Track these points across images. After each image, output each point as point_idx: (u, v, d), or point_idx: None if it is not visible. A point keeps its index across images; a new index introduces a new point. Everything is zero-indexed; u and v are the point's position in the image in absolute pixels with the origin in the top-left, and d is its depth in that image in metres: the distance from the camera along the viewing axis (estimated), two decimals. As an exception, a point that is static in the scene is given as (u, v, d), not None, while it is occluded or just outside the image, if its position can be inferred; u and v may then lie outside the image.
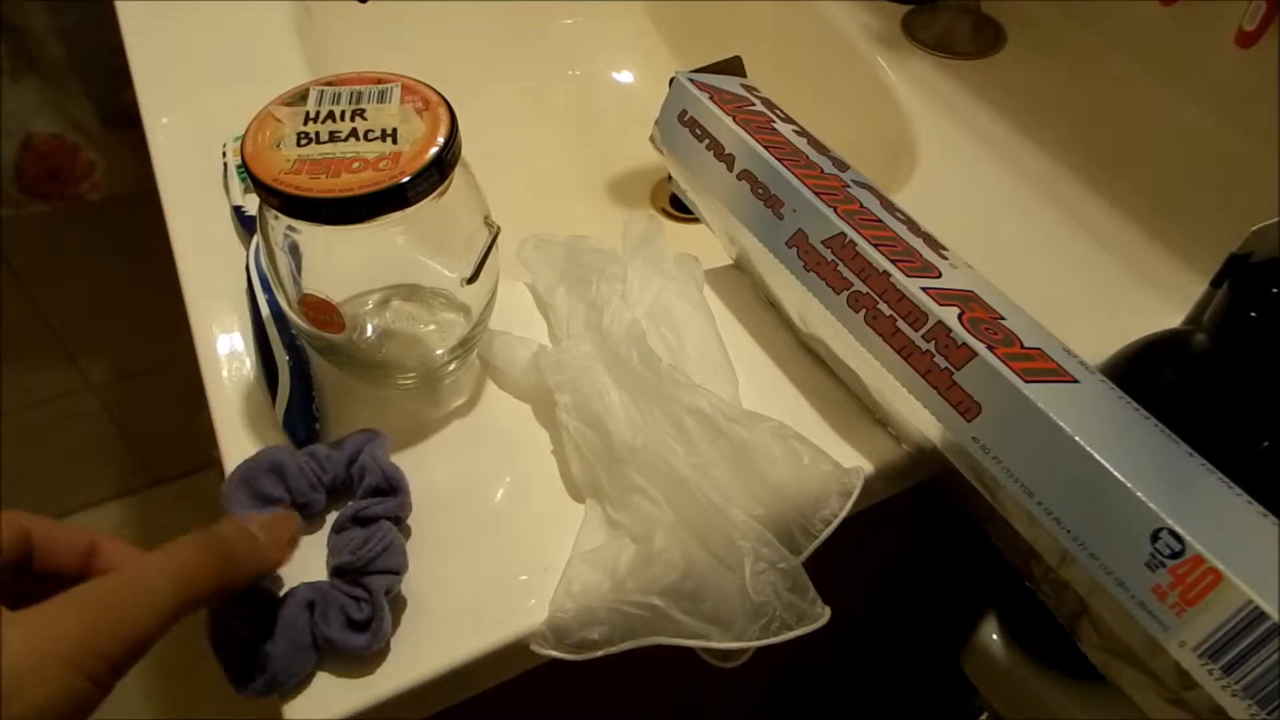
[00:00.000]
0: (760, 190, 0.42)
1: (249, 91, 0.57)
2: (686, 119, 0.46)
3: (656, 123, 0.48)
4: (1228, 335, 0.36)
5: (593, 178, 0.73)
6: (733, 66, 0.51)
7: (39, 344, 1.35)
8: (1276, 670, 0.28)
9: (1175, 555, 0.30)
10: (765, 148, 0.43)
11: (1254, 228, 0.36)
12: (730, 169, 0.44)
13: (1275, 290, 0.34)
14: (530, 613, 0.35)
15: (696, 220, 0.50)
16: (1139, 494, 0.30)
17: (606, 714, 0.48)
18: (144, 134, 0.53)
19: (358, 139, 0.35)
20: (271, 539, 0.33)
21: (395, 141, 0.35)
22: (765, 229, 0.42)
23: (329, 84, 0.37)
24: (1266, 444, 0.34)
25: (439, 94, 0.37)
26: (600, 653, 0.33)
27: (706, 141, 0.45)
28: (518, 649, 0.35)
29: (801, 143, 0.45)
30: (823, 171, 0.43)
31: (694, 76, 0.48)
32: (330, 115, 0.36)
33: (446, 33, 0.76)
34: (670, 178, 0.49)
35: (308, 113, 0.36)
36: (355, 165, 0.34)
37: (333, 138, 0.35)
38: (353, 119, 0.36)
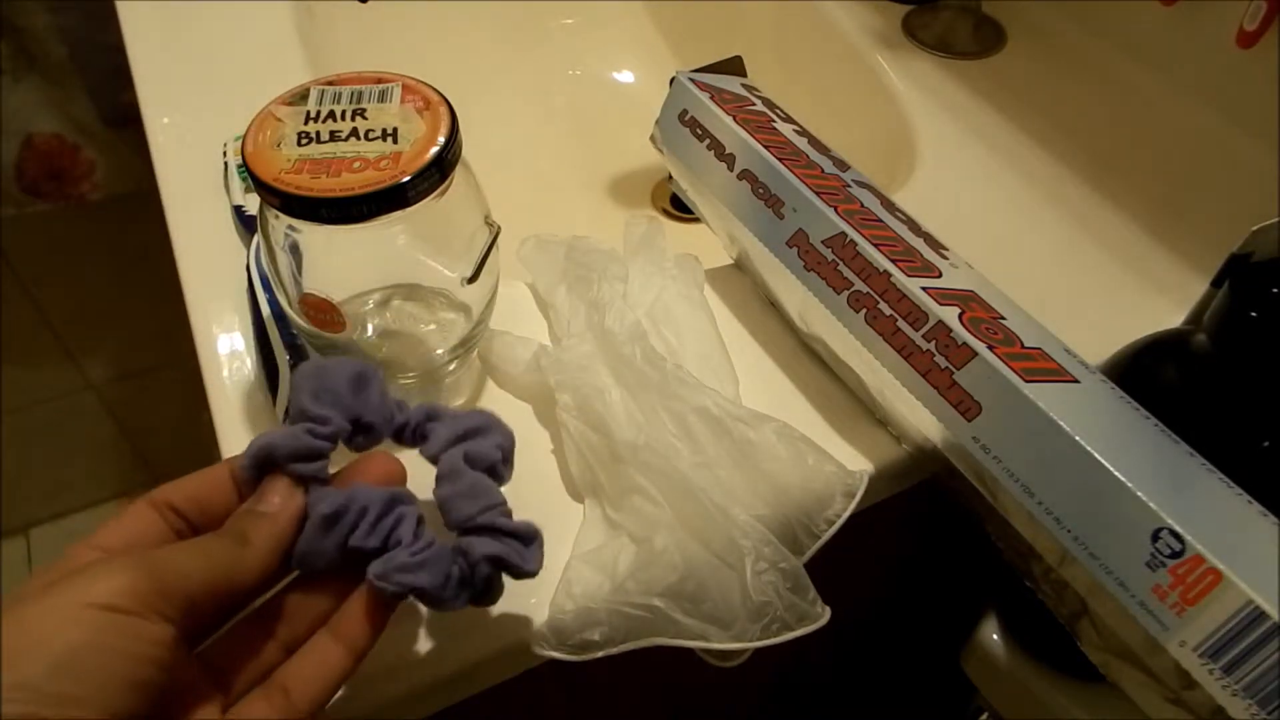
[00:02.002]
0: (761, 190, 0.42)
1: (249, 91, 0.57)
2: (687, 119, 0.46)
3: (657, 123, 0.48)
4: (1228, 335, 0.36)
5: (593, 178, 0.73)
6: (733, 66, 0.51)
7: (39, 344, 1.35)
8: (1276, 670, 0.28)
9: (1175, 555, 0.30)
10: (766, 147, 0.43)
11: (1254, 228, 0.36)
12: (731, 169, 0.44)
13: (1275, 290, 0.34)
14: (530, 613, 0.35)
15: (697, 220, 0.50)
16: (1139, 494, 0.30)
17: (606, 714, 0.48)
18: (144, 134, 0.53)
19: (358, 138, 0.35)
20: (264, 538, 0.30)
21: (396, 141, 0.35)
22: (765, 229, 0.42)
23: (330, 83, 0.37)
24: (1266, 444, 0.34)
25: (440, 93, 0.37)
26: (600, 654, 0.33)
27: (707, 141, 0.45)
28: (518, 649, 0.35)
29: (802, 142, 0.45)
30: (823, 171, 0.43)
31: (694, 76, 0.48)
32: (331, 115, 0.36)
33: (446, 33, 0.76)
34: (671, 177, 0.49)
35: (308, 112, 0.36)
36: (356, 165, 0.34)
37: (333, 137, 0.35)
38: (353, 118, 0.36)
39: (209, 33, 0.60)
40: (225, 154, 0.51)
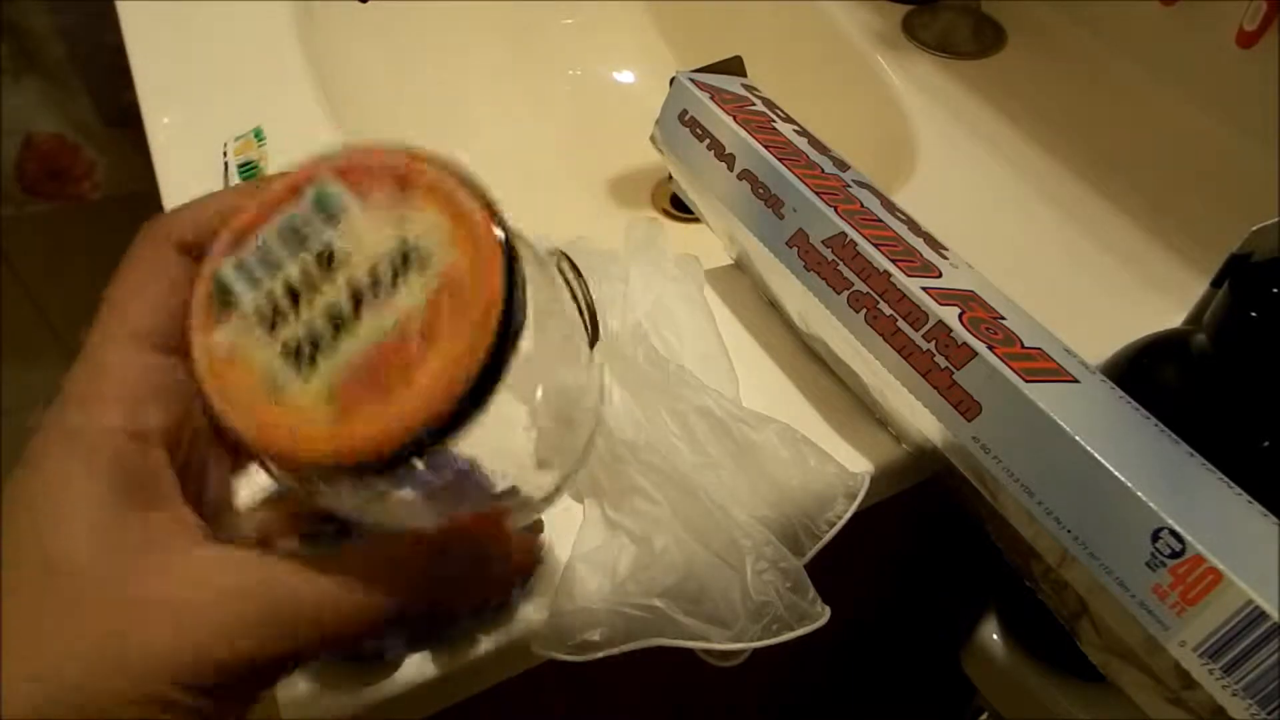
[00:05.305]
0: (761, 190, 0.42)
1: (249, 91, 0.57)
2: (687, 119, 0.46)
3: (657, 123, 0.48)
4: (1228, 335, 0.36)
5: (593, 178, 0.73)
6: (733, 66, 0.51)
7: (39, 344, 1.35)
8: (1276, 670, 0.28)
9: (1175, 555, 0.30)
10: (766, 147, 0.43)
11: (1254, 228, 0.36)
12: (731, 169, 0.44)
13: (1275, 290, 0.34)
14: (530, 613, 0.35)
15: (697, 220, 0.50)
16: (1139, 494, 0.30)
17: (606, 714, 0.48)
18: (144, 133, 0.53)
19: (368, 300, 0.21)
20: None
21: (423, 268, 0.21)
22: (766, 229, 0.42)
23: (236, 243, 0.22)
24: (1266, 444, 0.34)
25: (393, 147, 0.23)
26: (600, 654, 0.33)
27: (707, 141, 0.45)
28: (518, 649, 0.35)
29: (802, 142, 0.45)
30: (823, 171, 0.43)
31: (694, 76, 0.48)
32: (292, 291, 0.22)
33: (446, 32, 0.76)
34: (671, 178, 0.49)
35: (259, 311, 0.22)
36: (414, 345, 0.21)
37: (334, 322, 0.21)
38: (327, 271, 0.21)
39: (209, 33, 0.60)
40: (225, 154, 0.51)
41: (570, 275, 0.26)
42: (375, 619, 0.22)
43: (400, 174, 0.22)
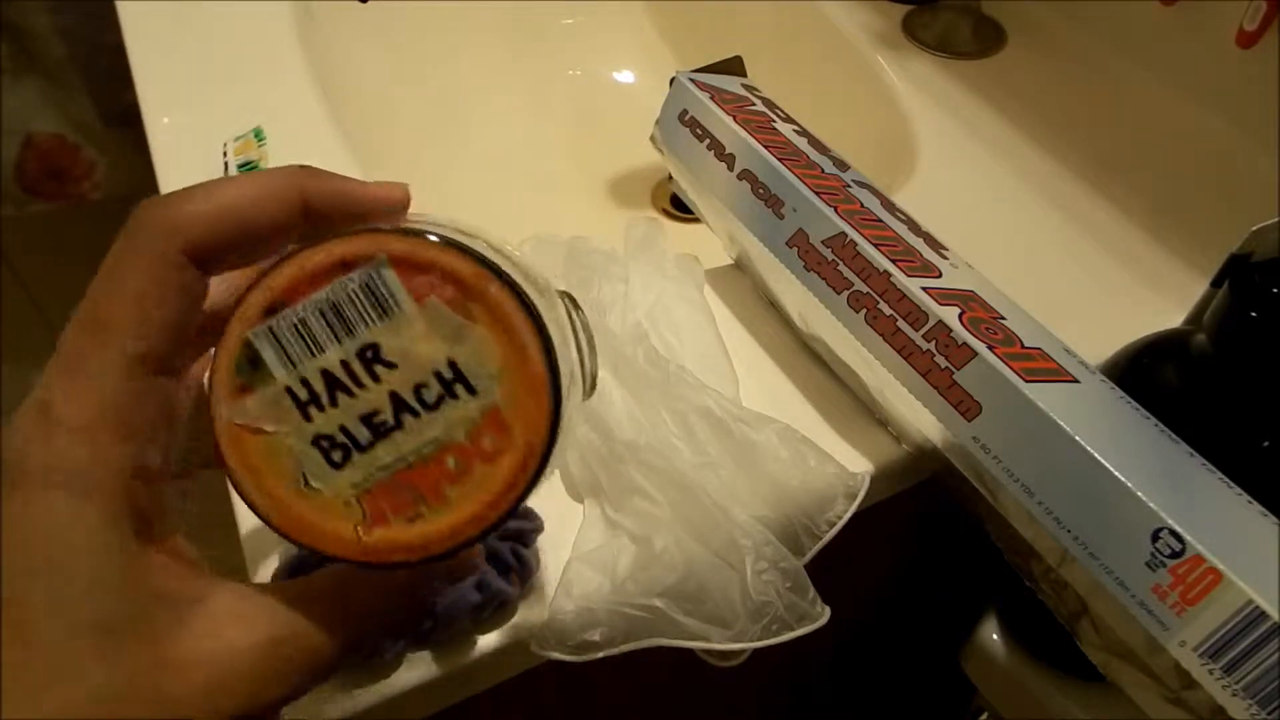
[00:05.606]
0: (760, 190, 0.42)
1: (249, 91, 0.57)
2: (687, 119, 0.46)
3: (657, 123, 0.48)
4: (1228, 335, 0.36)
5: (593, 178, 0.73)
6: (733, 66, 0.51)
7: (39, 344, 1.35)
8: (1276, 670, 0.28)
9: (1175, 555, 0.30)
10: (766, 147, 0.43)
11: (1254, 228, 0.36)
12: (731, 169, 0.44)
13: (1275, 290, 0.34)
14: (530, 613, 0.35)
15: (697, 220, 0.50)
16: (1139, 493, 0.30)
17: (606, 714, 0.48)
18: (144, 133, 0.53)
19: (411, 411, 0.21)
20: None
21: (472, 390, 0.21)
22: (765, 229, 0.42)
23: (272, 309, 0.21)
24: (1266, 444, 0.34)
25: (462, 249, 0.21)
26: (600, 654, 0.33)
27: (707, 141, 0.45)
28: (518, 649, 0.35)
29: (802, 142, 0.45)
30: (823, 171, 0.43)
31: (694, 76, 0.48)
32: (331, 380, 0.21)
33: (446, 33, 0.76)
34: (670, 178, 0.49)
35: (291, 392, 0.21)
36: (451, 463, 0.21)
37: (373, 427, 0.21)
38: (370, 370, 0.21)
39: (209, 33, 0.60)
40: (225, 154, 0.51)
41: (575, 316, 0.26)
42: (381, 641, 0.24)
43: (465, 283, 0.21)
